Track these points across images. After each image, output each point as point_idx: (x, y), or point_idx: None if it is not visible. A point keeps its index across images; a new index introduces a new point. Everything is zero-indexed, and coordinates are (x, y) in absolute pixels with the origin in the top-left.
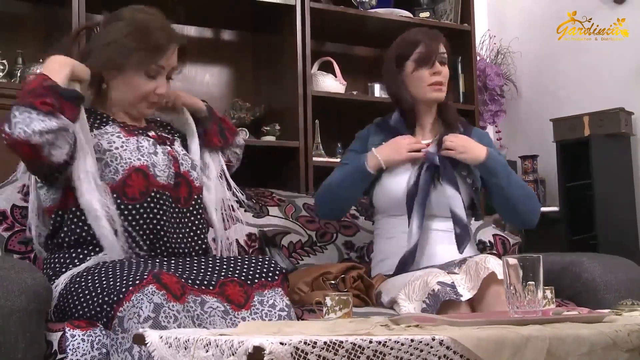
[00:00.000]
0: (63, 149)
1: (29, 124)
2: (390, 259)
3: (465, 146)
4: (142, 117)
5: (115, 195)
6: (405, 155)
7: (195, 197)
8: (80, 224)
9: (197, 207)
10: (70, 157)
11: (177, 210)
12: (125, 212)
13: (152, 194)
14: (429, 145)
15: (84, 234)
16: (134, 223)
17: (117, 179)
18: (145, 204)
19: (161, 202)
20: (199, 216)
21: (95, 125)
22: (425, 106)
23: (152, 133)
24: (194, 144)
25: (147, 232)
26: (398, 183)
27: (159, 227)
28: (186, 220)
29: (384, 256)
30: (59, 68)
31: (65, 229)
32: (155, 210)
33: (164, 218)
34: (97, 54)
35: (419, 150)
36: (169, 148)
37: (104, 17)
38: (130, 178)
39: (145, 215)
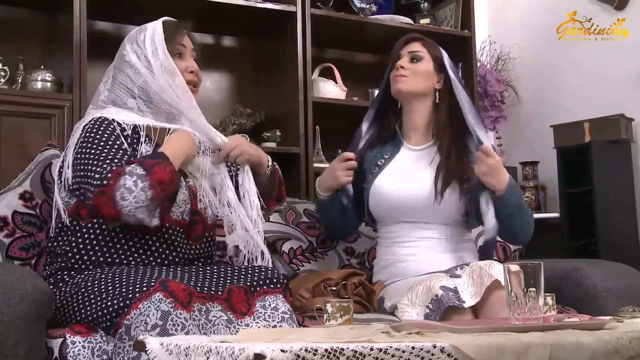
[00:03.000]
0: None
1: (136, 207)
2: (390, 267)
3: (494, 170)
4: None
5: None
6: (344, 180)
7: (207, 234)
8: (81, 245)
9: (207, 244)
10: None
11: (187, 246)
12: (135, 239)
13: (164, 229)
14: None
15: (77, 255)
16: (147, 252)
17: None
18: (155, 237)
19: (172, 237)
20: (207, 254)
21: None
22: (407, 105)
23: None
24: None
25: (154, 263)
26: (392, 190)
27: (167, 261)
28: (194, 257)
29: (385, 264)
30: (176, 159)
31: (67, 238)
32: (165, 245)
33: (173, 253)
34: None
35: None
36: (191, 182)
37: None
38: None
39: (154, 248)
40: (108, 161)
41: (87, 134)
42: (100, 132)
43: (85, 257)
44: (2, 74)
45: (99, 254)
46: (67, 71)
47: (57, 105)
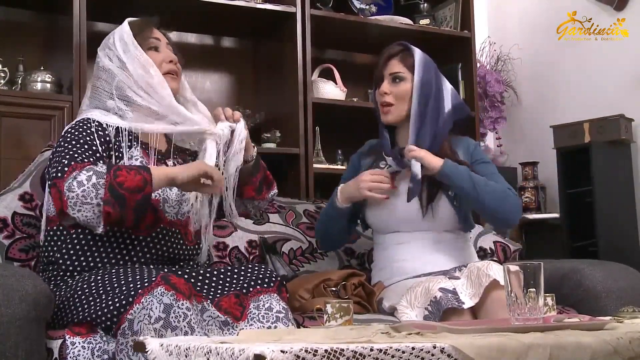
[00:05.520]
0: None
1: (83, 203)
2: (387, 268)
3: (424, 156)
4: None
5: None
6: (365, 193)
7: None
8: (70, 247)
9: (200, 246)
10: None
11: (184, 247)
12: (127, 241)
13: (159, 229)
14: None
15: (69, 261)
16: (139, 254)
17: None
18: (149, 239)
19: (167, 237)
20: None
21: (127, 149)
22: (398, 128)
23: (170, 162)
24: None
25: (145, 264)
26: (386, 204)
27: (160, 261)
28: (189, 258)
29: (382, 265)
30: (162, 177)
31: (57, 246)
32: (159, 245)
33: (169, 252)
34: None
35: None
36: None
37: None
38: None
39: (146, 249)
40: (69, 156)
41: (64, 135)
42: (74, 132)
43: (76, 262)
44: (2, 75)
45: (90, 256)
46: (67, 72)
47: (57, 106)
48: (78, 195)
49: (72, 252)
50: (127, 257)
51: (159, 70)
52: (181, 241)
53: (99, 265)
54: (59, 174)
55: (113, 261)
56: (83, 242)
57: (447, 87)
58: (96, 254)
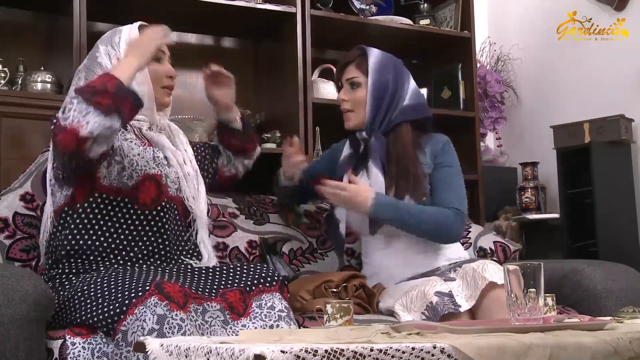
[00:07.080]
0: (102, 147)
1: (85, 115)
2: (378, 275)
3: (346, 202)
4: (162, 108)
5: (126, 199)
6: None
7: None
8: (80, 226)
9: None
10: (103, 156)
11: (180, 222)
12: (134, 217)
13: (163, 203)
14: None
15: (81, 241)
16: (146, 227)
17: (130, 185)
18: (154, 212)
19: (169, 211)
20: (194, 232)
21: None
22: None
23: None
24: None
25: (153, 238)
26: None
27: (165, 234)
28: (184, 233)
29: (371, 272)
30: (128, 66)
31: (69, 229)
32: (165, 219)
33: (170, 226)
34: None
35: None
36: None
37: None
38: (143, 184)
39: (152, 223)
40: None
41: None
42: None
43: (89, 240)
44: (2, 75)
45: (99, 231)
46: (67, 72)
47: (57, 107)
48: (75, 115)
49: (83, 231)
50: (134, 232)
51: (152, 88)
52: (178, 217)
53: (109, 241)
54: (53, 127)
55: (122, 236)
56: (93, 219)
57: (410, 86)
58: (105, 229)
